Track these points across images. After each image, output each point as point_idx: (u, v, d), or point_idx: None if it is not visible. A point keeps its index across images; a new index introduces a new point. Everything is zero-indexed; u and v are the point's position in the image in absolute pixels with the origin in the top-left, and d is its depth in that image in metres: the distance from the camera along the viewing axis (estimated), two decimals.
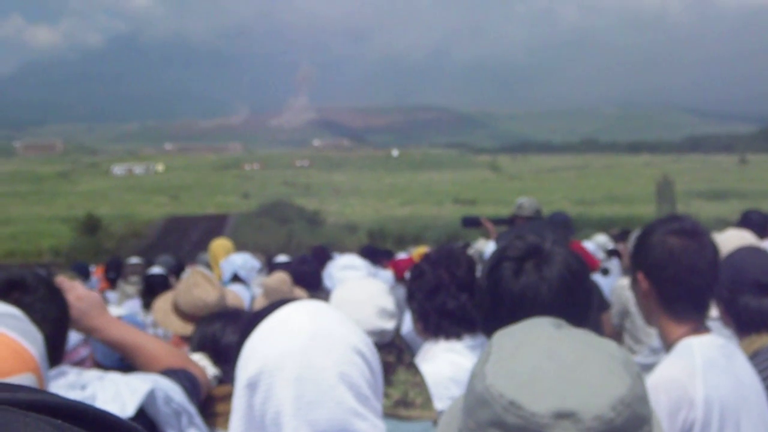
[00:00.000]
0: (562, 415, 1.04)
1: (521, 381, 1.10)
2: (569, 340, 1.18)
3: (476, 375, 1.17)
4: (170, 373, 2.54)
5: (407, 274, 4.59)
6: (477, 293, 2.22)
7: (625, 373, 1.12)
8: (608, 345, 1.19)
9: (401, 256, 10.58)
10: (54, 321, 2.26)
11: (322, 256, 9.76)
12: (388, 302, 2.86)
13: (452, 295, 3.20)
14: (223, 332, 3.23)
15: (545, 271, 2.03)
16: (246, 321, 2.00)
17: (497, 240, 4.82)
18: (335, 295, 2.96)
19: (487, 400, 1.10)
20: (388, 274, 9.49)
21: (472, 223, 7.91)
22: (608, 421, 1.05)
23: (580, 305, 2.06)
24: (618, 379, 1.10)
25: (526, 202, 7.54)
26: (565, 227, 8.36)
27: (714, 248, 2.50)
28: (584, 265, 2.14)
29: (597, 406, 1.05)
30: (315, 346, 1.71)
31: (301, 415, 1.65)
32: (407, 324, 5.28)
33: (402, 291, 7.49)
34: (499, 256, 2.12)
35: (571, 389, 1.07)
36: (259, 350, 1.74)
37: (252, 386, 1.71)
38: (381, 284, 3.06)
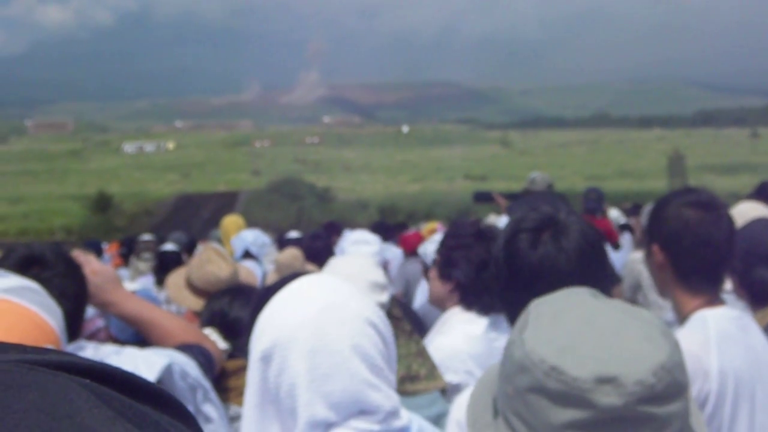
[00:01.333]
0: (604, 380, 1.04)
1: (562, 346, 1.09)
2: (607, 308, 1.17)
3: (514, 342, 1.16)
4: (185, 348, 2.55)
5: (422, 248, 4.54)
6: (493, 265, 2.18)
7: (664, 341, 1.11)
8: (646, 313, 1.19)
9: (410, 231, 10.58)
10: (72, 296, 2.27)
11: (333, 232, 9.78)
12: (379, 275, 2.84)
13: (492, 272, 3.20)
14: (231, 307, 3.25)
15: (563, 242, 2.00)
16: (258, 296, 2.01)
17: (507, 211, 4.80)
18: (326, 272, 2.92)
19: (528, 366, 1.09)
20: (398, 250, 9.50)
21: (483, 198, 7.89)
22: (649, 386, 1.04)
23: (597, 276, 2.02)
24: (658, 345, 1.09)
25: (538, 177, 7.51)
26: (597, 202, 8.39)
27: (730, 221, 2.48)
28: (600, 235, 2.11)
29: (638, 371, 1.05)
30: (328, 319, 1.70)
31: (315, 387, 1.65)
32: (419, 298, 5.29)
33: (413, 266, 7.50)
34: (515, 228, 2.08)
35: (612, 355, 1.07)
36: (272, 324, 1.74)
37: (266, 359, 1.71)
38: (369, 258, 3.06)
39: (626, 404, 1.04)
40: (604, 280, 2.07)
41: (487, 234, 3.28)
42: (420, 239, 8.11)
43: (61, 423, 0.45)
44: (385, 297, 2.82)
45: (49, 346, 1.67)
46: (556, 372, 1.06)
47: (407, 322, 2.91)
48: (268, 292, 1.88)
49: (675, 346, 1.12)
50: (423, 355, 2.76)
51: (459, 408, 1.91)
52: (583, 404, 1.05)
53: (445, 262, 3.32)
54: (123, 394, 0.53)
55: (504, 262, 2.08)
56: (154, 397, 0.56)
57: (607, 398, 1.03)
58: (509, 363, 1.15)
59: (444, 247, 3.38)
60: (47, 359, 0.53)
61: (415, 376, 2.67)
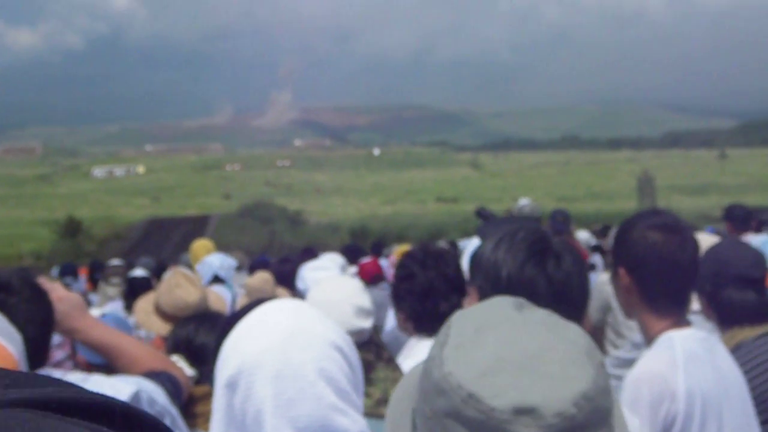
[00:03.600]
0: (523, 411, 1.02)
1: (481, 371, 1.06)
2: (531, 325, 1.15)
3: (434, 359, 1.13)
4: (152, 375, 2.54)
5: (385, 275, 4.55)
6: (476, 280, 2.11)
7: (588, 364, 1.09)
8: (571, 331, 1.16)
9: (366, 259, 10.58)
10: (38, 322, 2.24)
11: (309, 257, 9.75)
12: (365, 301, 2.85)
13: (444, 296, 3.15)
14: (197, 333, 3.22)
15: (549, 266, 1.97)
16: (224, 321, 2.00)
17: (479, 232, 4.78)
18: (312, 296, 2.95)
19: (445, 390, 1.07)
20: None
21: (485, 216, 7.96)
22: (570, 417, 1.02)
23: (581, 296, 2.01)
24: (581, 371, 1.07)
25: (527, 207, 7.58)
26: (564, 223, 8.45)
27: (695, 243, 2.48)
28: (583, 262, 2.09)
29: (558, 401, 1.03)
30: (293, 343, 1.70)
31: (281, 412, 1.64)
32: (389, 323, 5.29)
33: (377, 293, 7.49)
34: (506, 246, 2.03)
35: (533, 382, 1.05)
36: (237, 349, 1.73)
37: (232, 386, 1.69)
38: (357, 283, 3.05)
39: None
40: (584, 307, 2.06)
41: (435, 258, 3.27)
42: (377, 267, 8.17)
43: None
44: (368, 323, 2.84)
45: None
46: (473, 400, 1.03)
47: (388, 350, 2.92)
48: (233, 319, 1.87)
49: (600, 369, 1.10)
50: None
51: None
52: None
53: (394, 295, 3.31)
54: (125, 429, 0.52)
55: (491, 279, 2.01)
56: (148, 427, 0.55)
57: (525, 430, 1.01)
58: (428, 382, 1.13)
59: (394, 280, 3.37)
60: (48, 396, 0.51)
61: None
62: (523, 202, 7.95)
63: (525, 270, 1.99)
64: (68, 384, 0.53)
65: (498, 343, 1.10)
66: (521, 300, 1.23)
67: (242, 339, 1.75)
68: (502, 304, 1.22)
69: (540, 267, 1.98)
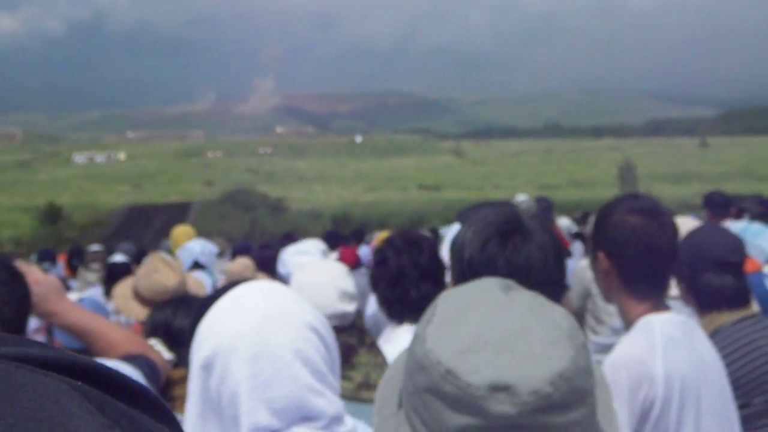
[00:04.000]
0: (498, 388, 1.02)
1: (460, 348, 1.07)
2: (515, 306, 1.15)
3: (418, 337, 1.14)
4: (130, 358, 2.52)
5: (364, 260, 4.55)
6: (456, 268, 2.10)
7: (568, 345, 1.09)
8: (555, 313, 1.16)
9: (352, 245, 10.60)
10: (15, 305, 2.22)
11: (289, 244, 9.73)
12: (349, 285, 2.84)
13: (414, 283, 3.15)
14: (174, 317, 3.20)
15: (528, 244, 1.96)
16: (200, 304, 1.98)
17: (459, 218, 4.78)
18: (296, 280, 2.94)
19: (425, 366, 1.08)
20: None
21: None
22: (546, 396, 1.03)
23: (559, 277, 2.01)
24: (560, 351, 1.07)
25: (524, 202, 7.62)
26: (547, 210, 8.51)
27: (674, 227, 2.49)
28: (558, 241, 2.08)
29: (535, 380, 1.03)
30: (268, 324, 1.68)
31: (257, 393, 1.63)
32: (371, 307, 5.29)
33: (360, 278, 7.50)
34: (484, 231, 2.02)
35: (511, 361, 1.05)
36: (212, 331, 1.71)
37: (207, 368, 1.68)
38: (341, 267, 3.03)
39: (520, 413, 1.03)
40: (564, 282, 2.06)
41: (409, 244, 3.26)
42: (354, 255, 8.20)
43: None
44: (351, 307, 2.82)
45: None
46: (451, 376, 1.04)
47: (370, 335, 2.91)
48: (208, 301, 1.85)
49: (580, 350, 1.10)
50: (382, 367, 2.75)
51: None
52: (476, 411, 1.04)
53: (370, 280, 3.33)
54: (108, 393, 0.51)
55: (466, 264, 2.01)
56: (138, 396, 0.54)
57: (501, 406, 1.02)
58: (411, 359, 1.14)
59: (371, 265, 3.39)
60: (29, 353, 0.51)
61: (373, 385, 2.66)
62: (521, 198, 7.98)
63: (485, 251, 1.99)
64: (55, 348, 0.52)
65: (480, 322, 1.10)
66: (509, 282, 1.23)
67: (217, 320, 1.73)
68: (489, 285, 1.22)
69: (499, 248, 1.97)
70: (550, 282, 1.93)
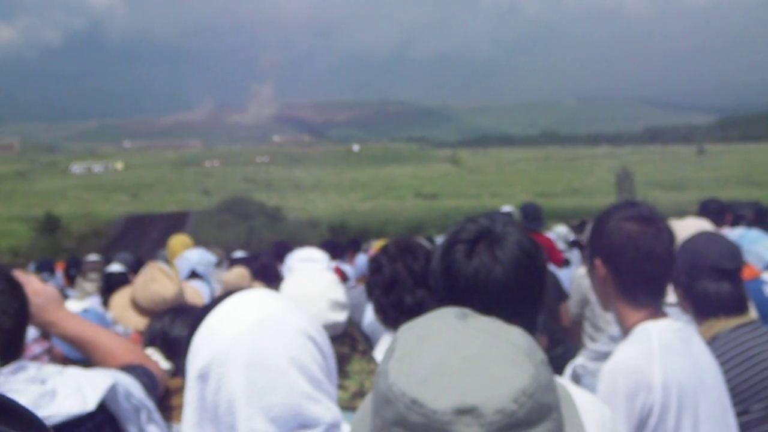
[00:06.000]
0: (463, 411, 1.03)
1: (422, 378, 1.08)
2: (473, 332, 1.16)
3: (380, 373, 1.16)
4: (129, 369, 2.53)
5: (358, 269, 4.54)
6: (431, 277, 2.12)
7: (527, 363, 1.10)
8: (513, 334, 1.18)
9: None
10: (13, 315, 2.20)
11: (282, 251, 9.72)
12: (339, 294, 2.85)
13: (409, 290, 3.15)
14: (172, 326, 3.20)
15: (498, 252, 1.96)
16: (196, 314, 2.00)
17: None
18: (285, 289, 2.93)
19: (390, 399, 1.09)
20: (350, 268, 9.49)
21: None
22: (511, 413, 1.04)
23: (534, 285, 2.00)
24: (520, 369, 1.08)
25: (509, 213, 7.64)
26: (536, 218, 8.48)
27: (670, 234, 2.49)
28: (537, 245, 2.06)
29: (498, 399, 1.04)
30: (264, 332, 1.69)
31: (254, 401, 1.63)
32: (369, 315, 5.29)
33: (353, 293, 7.51)
34: (451, 240, 2.05)
35: (473, 384, 1.06)
36: (208, 341, 1.72)
37: (203, 377, 1.68)
38: (331, 276, 3.04)
39: None
40: (542, 288, 2.04)
41: (403, 252, 3.27)
42: (339, 271, 8.25)
43: None
44: (343, 316, 2.83)
45: None
46: (416, 405, 1.05)
47: (363, 342, 2.92)
48: (204, 311, 1.85)
49: (540, 367, 1.11)
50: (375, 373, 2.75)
51: None
52: None
53: (366, 288, 3.32)
54: None
55: (440, 274, 2.03)
56: (5, 410, 0.54)
57: (468, 429, 1.03)
58: (376, 394, 1.15)
59: (368, 273, 3.39)
60: None
61: (367, 393, 2.66)
62: (506, 209, 8.01)
63: (440, 262, 2.03)
64: None
65: (439, 350, 1.12)
66: (465, 310, 1.25)
67: (212, 330, 1.74)
68: (445, 315, 1.23)
69: (448, 260, 2.00)
70: (519, 289, 1.94)
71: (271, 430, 1.63)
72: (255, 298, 1.80)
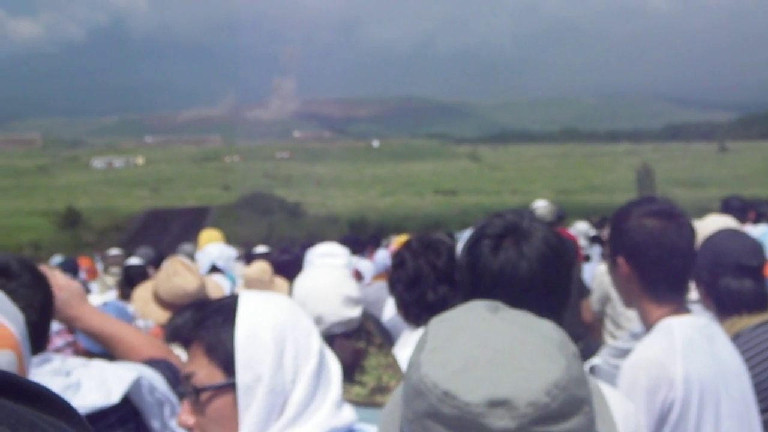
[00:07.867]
0: (496, 403, 1.03)
1: (455, 370, 1.08)
2: (504, 325, 1.16)
3: (412, 365, 1.16)
4: (152, 363, 2.54)
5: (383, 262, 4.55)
6: (456, 272, 2.16)
7: (560, 356, 1.10)
8: (544, 327, 1.18)
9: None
10: (38, 308, 2.21)
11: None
12: (352, 289, 2.84)
13: (432, 286, 3.17)
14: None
15: (524, 248, 1.97)
16: (214, 309, 1.98)
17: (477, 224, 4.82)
18: (298, 286, 2.92)
19: (422, 391, 1.09)
20: (370, 263, 9.49)
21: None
22: (543, 406, 1.03)
23: (560, 281, 2.01)
24: (553, 362, 1.08)
25: (544, 208, 7.63)
26: (559, 218, 8.50)
27: (692, 228, 2.49)
28: (563, 241, 2.10)
29: (531, 391, 1.04)
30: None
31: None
32: (389, 310, 5.29)
33: (370, 290, 7.51)
34: (477, 234, 2.07)
35: (505, 376, 1.06)
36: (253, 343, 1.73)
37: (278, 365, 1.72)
38: (343, 272, 3.03)
39: (520, 426, 1.03)
40: (568, 284, 2.05)
41: (426, 247, 3.27)
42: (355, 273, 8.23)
43: None
44: (356, 312, 2.81)
45: (8, 351, 1.65)
46: (448, 397, 1.05)
47: (378, 335, 2.90)
48: (224, 307, 1.85)
49: (573, 360, 1.11)
50: (393, 367, 2.75)
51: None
52: (477, 428, 1.04)
53: (389, 283, 3.34)
54: (2, 395, 0.50)
55: (466, 269, 2.05)
56: (35, 396, 0.54)
57: (501, 422, 1.03)
58: (408, 386, 1.15)
59: (390, 268, 3.39)
60: None
61: (385, 388, 2.66)
62: (538, 203, 7.98)
63: (466, 257, 2.05)
64: None
65: (471, 342, 1.12)
66: (496, 303, 1.25)
67: (255, 333, 1.76)
68: (476, 308, 1.23)
69: (474, 255, 2.02)
70: (544, 285, 1.95)
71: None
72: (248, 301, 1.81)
